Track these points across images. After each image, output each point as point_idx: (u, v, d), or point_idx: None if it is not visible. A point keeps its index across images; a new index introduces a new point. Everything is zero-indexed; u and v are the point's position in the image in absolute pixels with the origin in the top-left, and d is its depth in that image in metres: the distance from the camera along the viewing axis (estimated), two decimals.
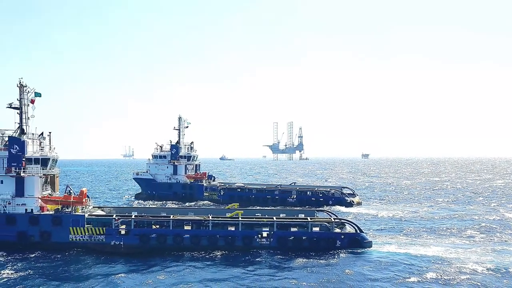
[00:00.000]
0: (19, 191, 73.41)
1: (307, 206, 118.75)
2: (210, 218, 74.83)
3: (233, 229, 73.83)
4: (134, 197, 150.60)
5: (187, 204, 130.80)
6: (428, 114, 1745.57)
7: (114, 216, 74.62)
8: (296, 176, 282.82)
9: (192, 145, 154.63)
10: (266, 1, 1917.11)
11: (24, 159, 73.91)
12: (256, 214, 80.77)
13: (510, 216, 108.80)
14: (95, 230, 71.82)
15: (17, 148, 73.40)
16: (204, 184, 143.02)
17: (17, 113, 76.15)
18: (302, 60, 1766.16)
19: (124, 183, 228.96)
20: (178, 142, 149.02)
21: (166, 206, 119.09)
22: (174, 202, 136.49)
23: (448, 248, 72.11)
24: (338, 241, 72.46)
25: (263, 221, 75.21)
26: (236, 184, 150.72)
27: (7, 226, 72.01)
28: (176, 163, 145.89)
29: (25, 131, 76.26)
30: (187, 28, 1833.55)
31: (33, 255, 67.84)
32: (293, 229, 74.39)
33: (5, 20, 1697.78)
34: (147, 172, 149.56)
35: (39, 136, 78.93)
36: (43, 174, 76.27)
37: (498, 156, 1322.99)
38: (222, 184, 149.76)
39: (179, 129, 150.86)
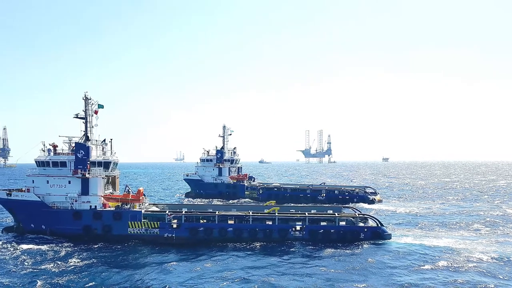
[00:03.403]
0: (85, 190, 73.68)
1: (334, 203, 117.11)
2: (251, 213, 74.41)
3: (270, 223, 72.90)
4: (184, 196, 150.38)
5: (230, 201, 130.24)
6: (440, 123, 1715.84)
7: (167, 212, 74.30)
8: (325, 177, 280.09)
9: (234, 150, 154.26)
10: (297, 28, 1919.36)
11: (88, 162, 74.21)
12: (291, 210, 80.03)
13: (511, 212, 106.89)
14: (151, 224, 71.57)
15: (83, 152, 73.67)
16: (245, 184, 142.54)
17: (83, 122, 76.83)
18: (329, 76, 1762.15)
19: (176, 183, 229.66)
20: (222, 148, 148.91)
21: (212, 203, 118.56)
22: (219, 199, 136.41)
23: (457, 240, 71.61)
24: (361, 233, 71.62)
25: (297, 216, 74.46)
26: (273, 184, 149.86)
27: (74, 220, 72.33)
28: (221, 166, 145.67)
29: (90, 138, 76.79)
30: (232, 46, 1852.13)
31: (97, 246, 67.86)
32: (322, 223, 73.32)
33: (70, 42, 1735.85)
34: (195, 173, 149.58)
35: (101, 142, 79.21)
36: (105, 175, 76.56)
37: (501, 160, 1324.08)
38: (261, 184, 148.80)
39: (223, 136, 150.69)
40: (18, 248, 65.22)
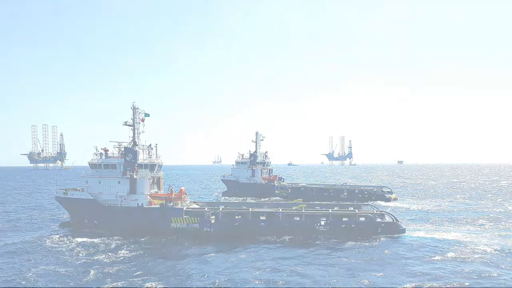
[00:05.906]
0: (132, 189, 73.98)
1: (355, 201, 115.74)
2: (280, 210, 73.61)
3: (298, 219, 72.01)
4: (221, 194, 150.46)
5: (262, 199, 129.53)
6: (449, 128, 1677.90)
7: (206, 209, 74.18)
8: (347, 178, 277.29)
9: (266, 154, 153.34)
10: (321, 43, 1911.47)
11: (136, 165, 74.56)
12: (316, 207, 79.21)
13: None
14: (191, 220, 71.38)
15: (131, 156, 74.04)
16: (276, 184, 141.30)
17: (131, 129, 77.21)
18: (350, 87, 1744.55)
19: (214, 183, 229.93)
20: (255, 152, 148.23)
21: (246, 201, 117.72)
22: (252, 198, 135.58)
23: (464, 234, 70.65)
24: (379, 228, 70.45)
25: (321, 212, 73.37)
26: (300, 184, 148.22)
27: (123, 216, 72.25)
28: (254, 168, 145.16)
29: (137, 143, 77.15)
30: (264, 62, 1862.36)
31: (143, 239, 68.03)
32: (344, 219, 72.22)
33: (125, 57, 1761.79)
34: (231, 175, 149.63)
35: (147, 147, 79.45)
36: (151, 177, 76.79)
37: (503, 162, 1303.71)
38: (290, 184, 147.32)
39: (256, 141, 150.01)
40: (73, 241, 66.03)
